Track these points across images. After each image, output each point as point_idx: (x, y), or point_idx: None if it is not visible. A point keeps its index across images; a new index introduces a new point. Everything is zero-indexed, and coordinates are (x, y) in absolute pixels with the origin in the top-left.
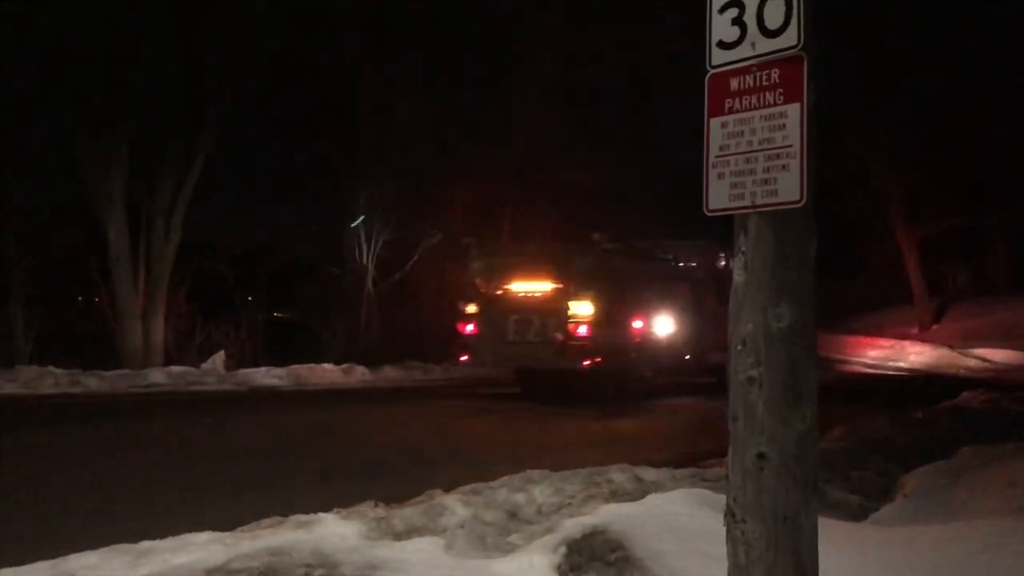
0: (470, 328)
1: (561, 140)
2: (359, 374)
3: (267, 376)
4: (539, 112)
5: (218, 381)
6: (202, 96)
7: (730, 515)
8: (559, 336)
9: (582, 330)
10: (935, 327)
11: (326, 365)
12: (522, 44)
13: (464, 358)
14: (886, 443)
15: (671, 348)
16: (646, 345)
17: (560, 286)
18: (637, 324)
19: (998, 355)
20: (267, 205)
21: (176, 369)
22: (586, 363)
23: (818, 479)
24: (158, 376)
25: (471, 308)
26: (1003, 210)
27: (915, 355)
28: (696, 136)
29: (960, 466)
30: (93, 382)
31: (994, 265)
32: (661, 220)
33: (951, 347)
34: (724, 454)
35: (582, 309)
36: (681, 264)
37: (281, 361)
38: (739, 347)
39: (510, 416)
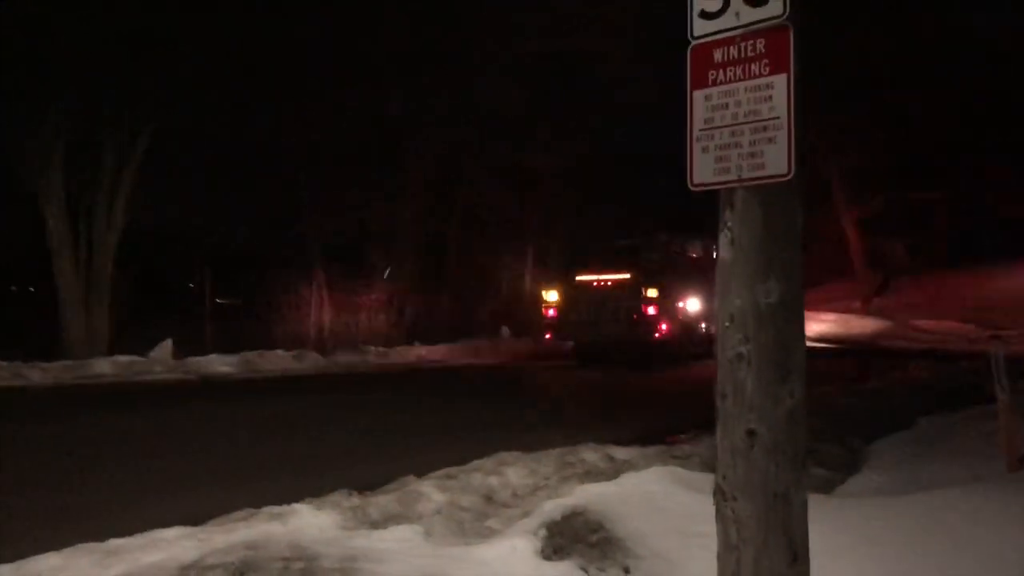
0: (552, 312)
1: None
2: (312, 359)
3: (217, 363)
4: (500, 91)
5: (167, 370)
6: (145, 81)
7: (719, 493)
8: (634, 316)
9: (652, 310)
10: (877, 300)
11: (278, 351)
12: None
13: (548, 336)
14: (846, 416)
15: (705, 324)
16: (692, 321)
17: (631, 275)
18: (687, 305)
19: (938, 326)
20: (215, 191)
21: (122, 359)
22: (656, 336)
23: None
24: (104, 366)
25: (552, 295)
26: (941, 185)
27: (859, 328)
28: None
29: (918, 437)
30: (36, 374)
31: (933, 240)
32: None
33: (893, 320)
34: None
35: (652, 293)
36: (698, 255)
37: (231, 348)
38: (727, 324)
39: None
